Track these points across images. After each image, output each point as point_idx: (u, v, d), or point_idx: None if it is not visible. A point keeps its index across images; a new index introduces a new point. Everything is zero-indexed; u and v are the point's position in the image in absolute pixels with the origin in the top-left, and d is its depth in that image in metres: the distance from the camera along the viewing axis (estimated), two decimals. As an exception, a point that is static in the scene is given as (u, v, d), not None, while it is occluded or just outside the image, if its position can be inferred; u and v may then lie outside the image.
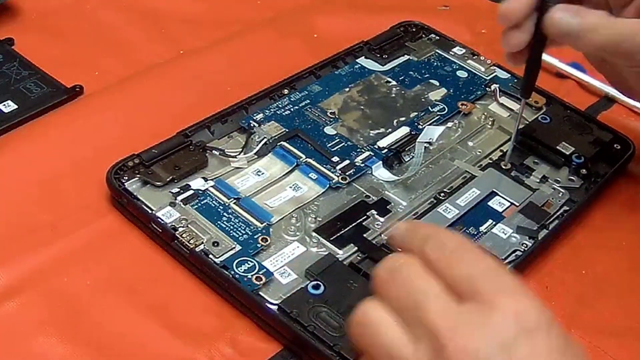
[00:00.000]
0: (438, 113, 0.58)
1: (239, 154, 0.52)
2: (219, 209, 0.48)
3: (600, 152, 0.55)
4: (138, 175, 0.49)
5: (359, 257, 0.46)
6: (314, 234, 0.47)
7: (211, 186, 0.49)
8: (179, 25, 0.65)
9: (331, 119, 0.56)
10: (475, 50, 0.64)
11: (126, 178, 0.48)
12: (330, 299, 0.43)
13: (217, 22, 0.66)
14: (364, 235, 0.48)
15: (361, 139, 0.54)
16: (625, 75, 0.51)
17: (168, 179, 0.49)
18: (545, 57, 0.63)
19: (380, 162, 0.53)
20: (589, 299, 0.47)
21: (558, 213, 0.51)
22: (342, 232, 0.48)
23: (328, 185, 0.50)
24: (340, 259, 0.46)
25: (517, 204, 0.51)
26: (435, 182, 0.52)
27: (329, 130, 0.55)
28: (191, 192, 0.48)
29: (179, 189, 0.48)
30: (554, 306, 0.46)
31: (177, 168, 0.50)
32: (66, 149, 0.52)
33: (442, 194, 0.51)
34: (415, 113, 0.57)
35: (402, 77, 0.61)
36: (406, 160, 0.54)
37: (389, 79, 0.60)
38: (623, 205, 0.53)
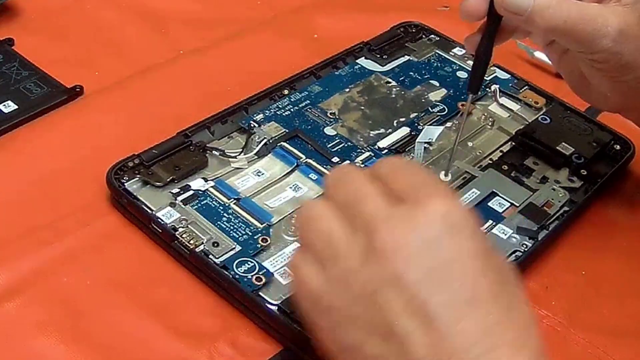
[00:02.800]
0: (438, 113, 0.58)
1: (239, 155, 0.52)
2: (219, 210, 0.48)
3: (600, 153, 0.55)
4: (138, 176, 0.49)
5: (359, 258, 0.46)
6: (314, 234, 0.47)
7: (211, 186, 0.49)
8: (179, 25, 0.65)
9: (331, 120, 0.56)
10: (475, 50, 0.64)
11: (126, 178, 0.48)
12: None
13: (217, 22, 0.66)
14: (364, 235, 0.47)
15: (361, 139, 0.54)
16: (581, 66, 0.48)
17: (168, 179, 0.49)
18: (545, 57, 0.64)
19: (380, 162, 0.53)
20: (589, 299, 0.47)
21: (558, 213, 0.51)
22: (342, 232, 0.47)
23: (328, 186, 0.50)
24: (340, 259, 0.46)
25: (517, 205, 0.51)
26: (435, 182, 0.52)
27: (329, 130, 0.55)
28: (191, 192, 0.48)
29: (179, 189, 0.48)
30: (554, 306, 0.46)
31: (177, 168, 0.50)
32: (66, 149, 0.52)
33: (442, 194, 0.51)
34: (415, 113, 0.57)
35: (402, 78, 0.61)
36: (406, 160, 0.54)
37: (389, 80, 0.60)
38: (623, 206, 0.53)
